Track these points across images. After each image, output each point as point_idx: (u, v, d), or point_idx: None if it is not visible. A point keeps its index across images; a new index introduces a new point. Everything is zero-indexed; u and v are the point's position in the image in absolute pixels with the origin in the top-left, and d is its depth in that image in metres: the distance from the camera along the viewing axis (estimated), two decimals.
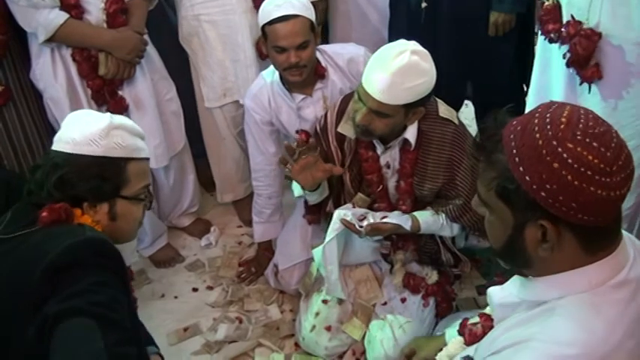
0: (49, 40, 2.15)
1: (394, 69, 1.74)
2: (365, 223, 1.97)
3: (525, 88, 2.80)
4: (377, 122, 1.84)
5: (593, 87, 1.76)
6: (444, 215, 2.01)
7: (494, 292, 1.16)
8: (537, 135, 0.94)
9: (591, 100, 1.77)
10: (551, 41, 1.81)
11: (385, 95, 1.77)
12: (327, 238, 2.00)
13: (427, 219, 2.01)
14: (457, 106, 2.63)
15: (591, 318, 0.95)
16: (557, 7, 1.80)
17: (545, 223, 0.95)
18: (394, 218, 2.00)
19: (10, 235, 1.32)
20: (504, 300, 1.12)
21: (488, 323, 1.29)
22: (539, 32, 1.86)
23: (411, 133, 1.95)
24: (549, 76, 1.94)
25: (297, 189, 2.16)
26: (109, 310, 1.18)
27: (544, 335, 0.97)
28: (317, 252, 2.11)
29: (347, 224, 1.97)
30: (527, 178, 0.94)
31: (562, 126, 0.93)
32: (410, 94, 1.79)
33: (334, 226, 1.99)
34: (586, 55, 1.70)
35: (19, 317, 1.21)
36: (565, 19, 1.77)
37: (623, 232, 1.04)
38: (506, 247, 1.04)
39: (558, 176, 0.91)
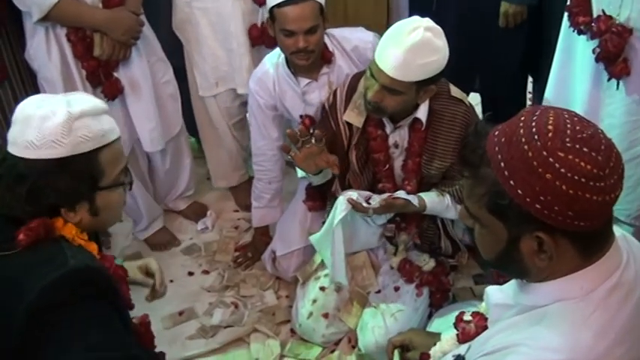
0: (44, 19, 2.09)
1: (407, 45, 1.73)
2: (372, 203, 1.96)
3: (530, 79, 2.78)
4: (389, 99, 1.83)
5: (620, 83, 1.74)
6: (449, 196, 2.01)
7: (493, 292, 1.15)
8: (525, 147, 0.91)
9: (617, 95, 1.75)
10: (579, 33, 1.79)
11: (398, 71, 1.76)
12: (335, 221, 1.97)
13: (433, 199, 2.01)
14: None
15: (579, 325, 0.94)
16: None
17: (542, 234, 0.93)
18: (403, 195, 1.99)
19: None
20: (501, 301, 1.11)
21: (481, 323, 1.29)
22: (568, 24, 1.82)
23: (422, 112, 1.94)
24: (572, 69, 1.91)
25: (300, 170, 2.13)
26: (106, 349, 1.14)
27: (532, 341, 0.97)
28: (315, 238, 2.09)
29: (354, 203, 1.95)
30: (520, 191, 0.92)
31: (550, 134, 0.91)
32: (423, 71, 1.78)
33: (341, 207, 1.97)
34: (617, 51, 1.68)
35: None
36: (595, 12, 1.75)
37: (618, 231, 1.04)
38: (500, 259, 1.03)
39: (552, 187, 0.89)
